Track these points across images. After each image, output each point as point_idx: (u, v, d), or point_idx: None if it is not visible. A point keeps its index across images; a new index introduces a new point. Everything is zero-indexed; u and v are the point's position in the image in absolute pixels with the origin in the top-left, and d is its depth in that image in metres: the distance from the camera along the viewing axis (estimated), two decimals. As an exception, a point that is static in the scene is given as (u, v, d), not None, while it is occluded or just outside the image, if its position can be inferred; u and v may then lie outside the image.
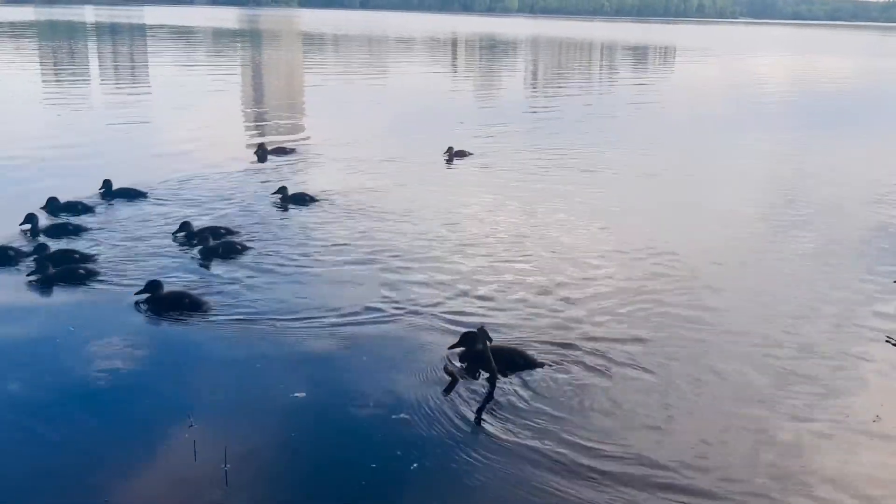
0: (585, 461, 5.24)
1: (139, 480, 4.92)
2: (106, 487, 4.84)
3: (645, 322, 7.59)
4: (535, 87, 33.39)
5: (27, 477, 4.96)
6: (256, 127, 19.94)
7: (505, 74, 39.38)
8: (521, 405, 5.97)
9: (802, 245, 10.38)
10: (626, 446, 5.43)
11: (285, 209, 11.40)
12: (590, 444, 5.44)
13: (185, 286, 8.03)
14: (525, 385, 6.27)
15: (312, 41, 64.04)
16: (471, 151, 15.84)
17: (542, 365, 6.57)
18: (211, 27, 77.63)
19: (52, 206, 10.65)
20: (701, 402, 6.11)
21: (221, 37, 63.52)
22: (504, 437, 5.52)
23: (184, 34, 64.16)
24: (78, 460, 5.13)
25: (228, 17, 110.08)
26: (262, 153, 14.80)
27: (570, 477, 5.07)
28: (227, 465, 5.05)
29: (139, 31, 65.62)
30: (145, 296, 7.52)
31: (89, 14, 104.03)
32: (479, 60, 49.65)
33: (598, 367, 6.61)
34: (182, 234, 9.66)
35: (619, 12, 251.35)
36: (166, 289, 7.66)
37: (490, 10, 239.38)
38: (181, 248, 9.38)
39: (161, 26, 74.55)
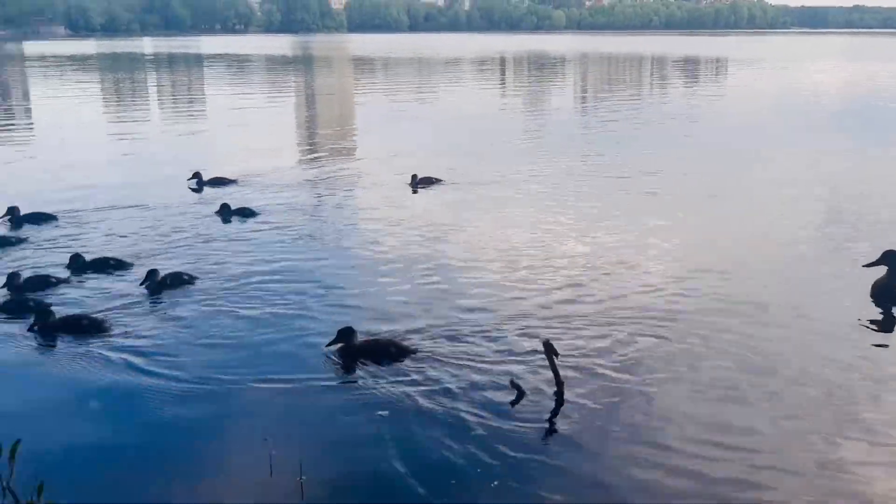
0: (667, 466, 5.24)
1: (217, 492, 5.07)
2: (185, 499, 4.98)
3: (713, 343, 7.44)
4: (584, 103, 33.27)
5: (113, 487, 5.11)
6: (312, 150, 20.29)
7: (555, 91, 39.34)
8: (591, 415, 5.96)
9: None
10: (699, 457, 5.37)
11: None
12: (666, 455, 5.39)
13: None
14: (593, 396, 6.26)
15: (363, 64, 65.01)
16: (439, 178, 14.92)
17: (414, 352, 6.98)
18: (264, 54, 79.35)
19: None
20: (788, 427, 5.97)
21: (274, 63, 64.87)
22: (580, 444, 5.58)
23: (238, 62, 65.72)
24: (159, 472, 5.30)
25: (281, 45, 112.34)
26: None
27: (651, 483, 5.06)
28: (303, 477, 5.12)
29: (195, 61, 67.48)
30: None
31: (148, 45, 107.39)
32: (528, 78, 49.78)
33: (660, 379, 6.53)
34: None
35: (669, 25, 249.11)
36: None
37: (537, 28, 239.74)
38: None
39: (216, 55, 76.45)
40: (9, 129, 24.38)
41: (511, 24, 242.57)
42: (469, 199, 13.68)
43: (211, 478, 5.29)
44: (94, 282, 9.18)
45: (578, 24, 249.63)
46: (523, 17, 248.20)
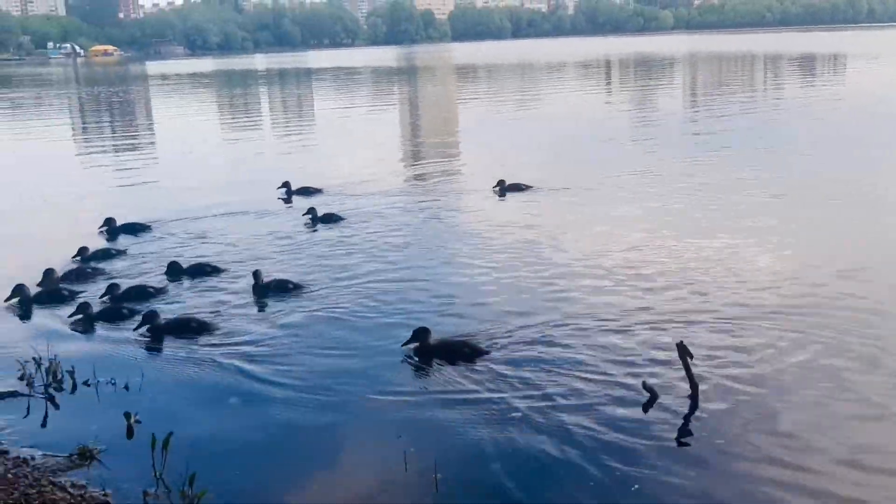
0: (805, 489, 4.95)
1: (353, 486, 5.20)
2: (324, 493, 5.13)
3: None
4: (693, 105, 31.95)
5: (255, 482, 5.25)
6: (412, 158, 20.28)
7: (662, 93, 38.03)
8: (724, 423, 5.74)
9: None
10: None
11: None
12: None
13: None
14: (726, 401, 6.04)
15: (465, 72, 65.22)
16: (528, 184, 14.58)
17: (487, 352, 7.04)
18: (370, 66, 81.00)
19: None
20: None
21: (379, 74, 66.02)
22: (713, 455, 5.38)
23: (345, 74, 67.31)
24: (297, 467, 5.45)
25: (386, 56, 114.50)
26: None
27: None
28: (438, 474, 5.13)
29: (304, 75, 69.56)
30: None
31: (260, 62, 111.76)
32: (634, 81, 48.50)
33: (794, 387, 6.26)
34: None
35: (783, 22, 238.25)
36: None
37: (643, 29, 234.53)
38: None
39: (324, 69, 78.59)
40: (134, 141, 25.90)
41: (616, 27, 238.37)
42: (568, 204, 13.38)
43: (346, 473, 5.42)
44: (192, 288, 9.45)
45: (687, 24, 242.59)
46: (629, 19, 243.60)
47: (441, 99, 40.58)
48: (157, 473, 5.13)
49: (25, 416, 6.13)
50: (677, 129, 23.98)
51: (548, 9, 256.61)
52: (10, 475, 5.03)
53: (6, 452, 5.40)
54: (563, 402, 6.13)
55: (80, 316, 8.20)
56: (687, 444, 5.55)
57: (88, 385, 6.62)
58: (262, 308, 8.62)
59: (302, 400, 6.33)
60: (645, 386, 6.10)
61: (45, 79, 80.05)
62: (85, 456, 5.37)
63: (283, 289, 9.05)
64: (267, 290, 8.99)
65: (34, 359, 6.89)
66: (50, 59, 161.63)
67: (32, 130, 30.55)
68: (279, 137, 25.87)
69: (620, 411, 5.94)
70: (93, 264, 10.38)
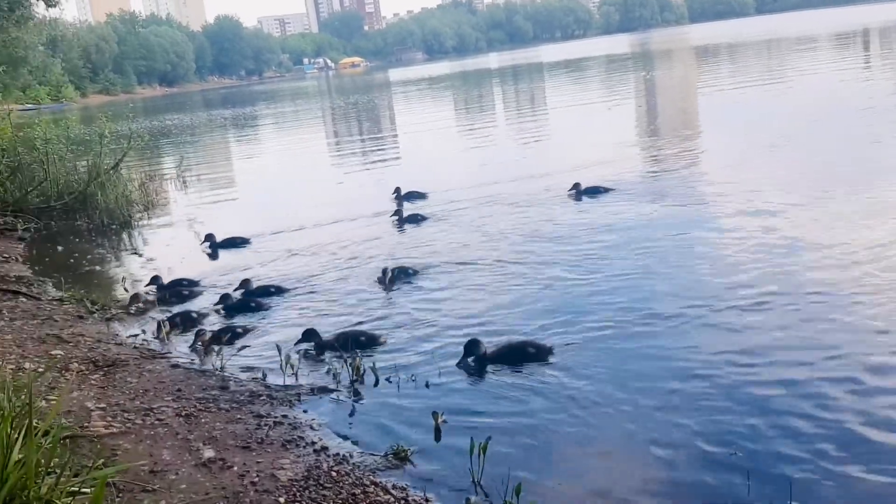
0: None
1: None
2: None
3: None
4: None
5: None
6: (653, 151, 19.04)
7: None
8: None
9: None
10: None
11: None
12: None
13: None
14: None
15: (704, 53, 61.50)
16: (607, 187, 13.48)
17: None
18: (604, 55, 79.30)
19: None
20: None
21: (613, 63, 64.20)
22: None
23: (576, 65, 66.37)
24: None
25: (620, 44, 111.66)
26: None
27: None
28: None
29: (536, 69, 69.59)
30: None
31: (493, 60, 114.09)
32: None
33: None
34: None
35: None
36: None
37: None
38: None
39: (556, 62, 78.17)
40: (380, 143, 27.23)
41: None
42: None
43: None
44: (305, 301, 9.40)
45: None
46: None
47: (678, 84, 38.35)
48: (476, 479, 4.93)
49: (336, 411, 6.25)
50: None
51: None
52: (333, 472, 5.07)
53: (326, 449, 5.49)
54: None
55: None
56: None
57: (390, 382, 6.66)
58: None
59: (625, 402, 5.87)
60: None
61: (303, 91, 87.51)
62: (399, 456, 5.31)
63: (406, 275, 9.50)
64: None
65: (339, 355, 7.12)
66: (306, 73, 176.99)
67: (294, 139, 33.30)
68: (512, 132, 25.77)
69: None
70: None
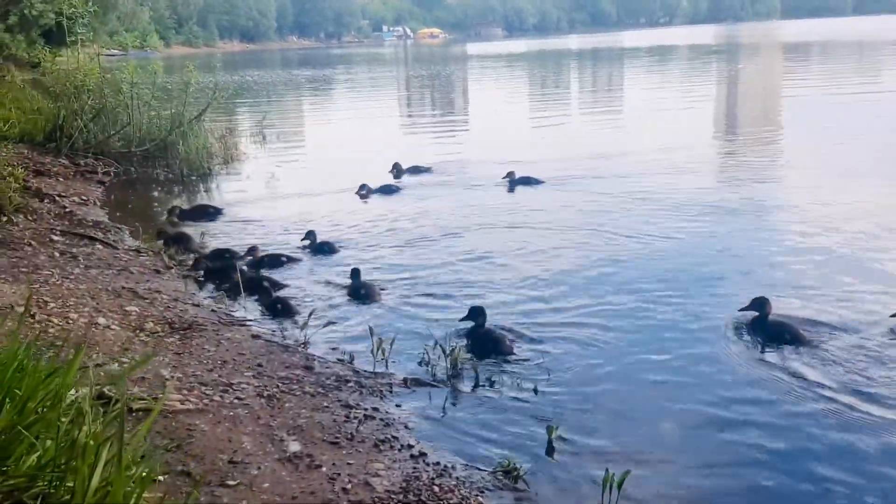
0: None
1: None
2: None
3: None
4: None
5: None
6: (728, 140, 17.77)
7: None
8: None
9: None
10: None
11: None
12: None
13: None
14: None
15: (797, 51, 58.42)
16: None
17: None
18: (687, 44, 76.48)
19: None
20: None
21: (698, 54, 61.65)
22: None
23: (660, 54, 64.08)
24: None
25: (706, 34, 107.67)
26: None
27: None
28: None
29: (616, 55, 67.35)
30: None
31: (573, 42, 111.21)
32: None
33: None
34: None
35: None
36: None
37: None
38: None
39: (638, 48, 75.68)
40: (450, 118, 26.51)
41: None
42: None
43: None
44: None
45: None
46: None
47: (760, 81, 36.35)
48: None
49: (432, 410, 5.57)
50: None
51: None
52: (435, 487, 4.40)
53: (425, 455, 4.82)
54: None
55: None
56: None
57: (493, 383, 5.96)
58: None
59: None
60: None
61: (379, 58, 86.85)
62: (510, 474, 4.62)
63: None
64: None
65: (436, 342, 6.42)
66: (385, 40, 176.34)
67: (366, 104, 32.73)
68: (585, 115, 24.94)
69: None
70: None
